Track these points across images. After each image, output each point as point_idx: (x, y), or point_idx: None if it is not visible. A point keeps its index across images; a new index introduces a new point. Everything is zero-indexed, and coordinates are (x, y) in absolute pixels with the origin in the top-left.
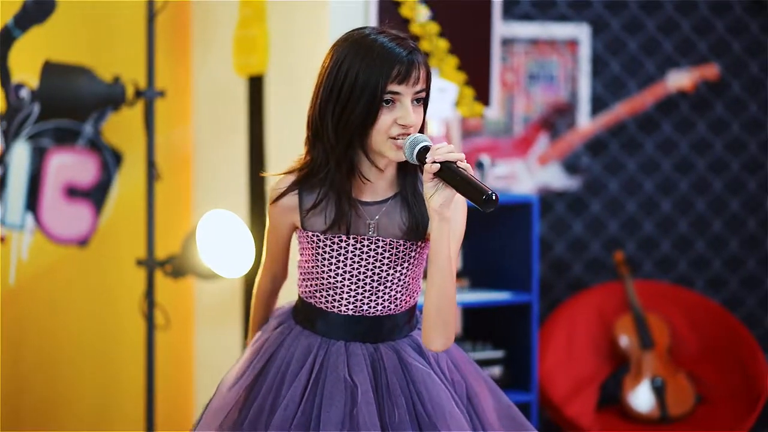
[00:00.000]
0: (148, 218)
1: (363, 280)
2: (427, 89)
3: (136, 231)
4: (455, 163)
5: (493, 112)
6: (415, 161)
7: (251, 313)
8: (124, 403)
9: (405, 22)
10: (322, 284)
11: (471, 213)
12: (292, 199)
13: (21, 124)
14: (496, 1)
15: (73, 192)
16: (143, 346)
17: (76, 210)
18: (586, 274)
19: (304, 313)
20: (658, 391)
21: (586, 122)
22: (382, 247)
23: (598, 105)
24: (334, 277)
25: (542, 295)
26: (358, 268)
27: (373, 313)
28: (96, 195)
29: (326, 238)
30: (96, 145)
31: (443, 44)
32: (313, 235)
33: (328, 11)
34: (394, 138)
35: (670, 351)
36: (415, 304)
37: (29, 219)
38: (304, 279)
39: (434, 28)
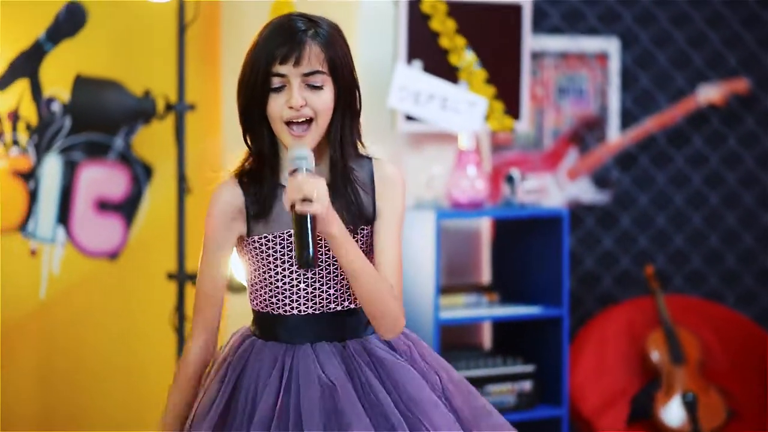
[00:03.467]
0: (178, 231)
1: (318, 273)
2: (334, 71)
3: (167, 244)
4: (306, 201)
5: (523, 125)
6: None
7: (169, 392)
8: (153, 417)
9: (434, 36)
10: (278, 287)
11: (500, 226)
12: (237, 200)
13: (52, 137)
14: (526, 14)
15: (104, 205)
16: (174, 360)
17: (106, 223)
18: (617, 288)
19: (263, 325)
20: (690, 406)
21: (615, 136)
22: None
23: (627, 119)
24: (289, 276)
25: (572, 309)
26: None
27: (334, 308)
28: (127, 208)
29: (275, 238)
30: (127, 159)
31: (472, 58)
32: (260, 239)
33: (355, 24)
34: (288, 124)
35: (700, 366)
36: None
37: (60, 232)
38: (255, 290)
39: (463, 41)
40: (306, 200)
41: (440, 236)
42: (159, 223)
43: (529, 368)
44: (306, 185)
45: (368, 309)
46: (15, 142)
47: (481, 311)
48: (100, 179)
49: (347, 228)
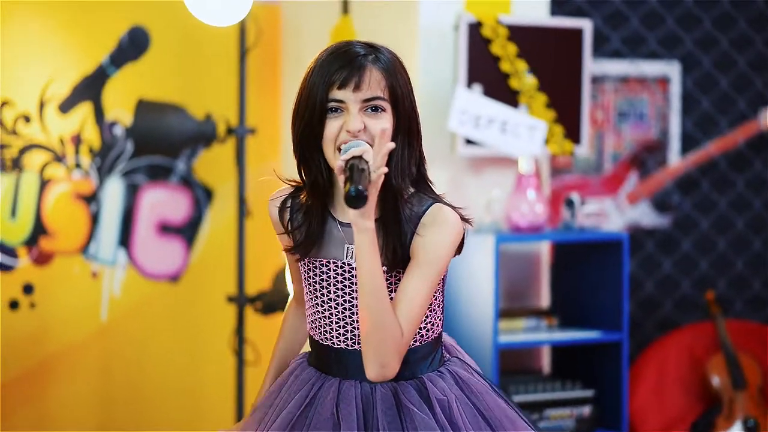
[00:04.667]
0: (238, 254)
1: (350, 309)
2: (394, 99)
3: (227, 267)
4: (357, 158)
5: (583, 149)
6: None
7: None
8: None
9: (495, 59)
10: (315, 314)
11: (559, 250)
12: (276, 215)
13: (115, 160)
14: (587, 38)
15: (165, 228)
16: (233, 383)
17: (167, 246)
18: (677, 312)
19: (310, 349)
20: (751, 431)
21: (676, 160)
22: None
23: (688, 143)
24: (321, 305)
25: (632, 334)
26: (343, 296)
27: None
28: (187, 231)
29: (309, 262)
30: (188, 182)
31: (533, 81)
32: (300, 260)
33: (416, 48)
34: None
35: (761, 391)
36: (430, 343)
37: (122, 255)
38: (306, 311)
39: (523, 65)
40: (363, 160)
41: (499, 260)
42: (219, 246)
43: (588, 393)
44: (367, 149)
45: (363, 341)
46: (78, 166)
47: (541, 335)
48: (162, 202)
49: (385, 268)
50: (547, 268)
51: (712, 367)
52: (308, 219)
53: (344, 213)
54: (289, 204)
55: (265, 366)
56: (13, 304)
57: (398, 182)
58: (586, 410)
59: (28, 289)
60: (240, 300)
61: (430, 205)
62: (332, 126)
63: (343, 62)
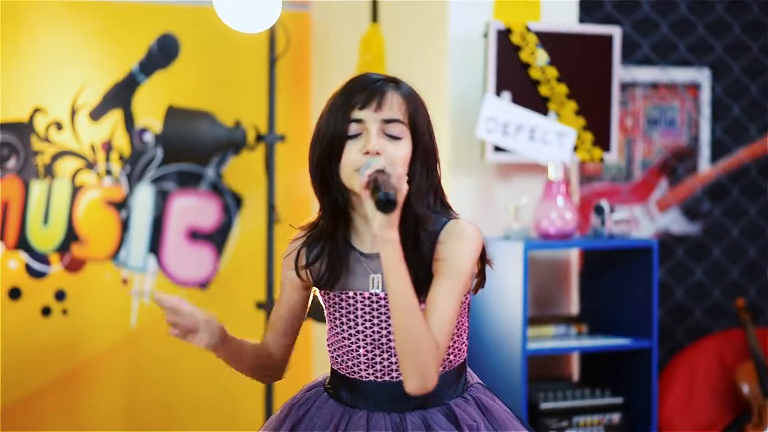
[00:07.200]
0: (267, 261)
1: (379, 340)
2: (414, 125)
3: (256, 274)
4: (380, 172)
5: (613, 156)
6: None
7: None
8: None
9: (524, 67)
10: (341, 348)
11: (589, 257)
12: (294, 252)
13: (145, 167)
14: (616, 45)
15: (194, 235)
16: (262, 389)
17: (197, 253)
18: (707, 320)
19: (333, 381)
20: None
21: (706, 167)
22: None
23: (718, 149)
24: (348, 338)
25: (662, 341)
26: (371, 327)
27: (397, 378)
28: (217, 238)
29: (335, 295)
30: (217, 189)
31: (562, 89)
32: (324, 294)
33: (445, 56)
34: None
35: None
36: (456, 369)
37: (152, 261)
38: (329, 345)
39: (553, 72)
40: (387, 173)
41: (528, 267)
42: (248, 252)
43: (617, 400)
44: (388, 165)
45: (400, 356)
46: (108, 172)
47: (570, 342)
48: (191, 209)
49: None
50: (576, 275)
51: (742, 375)
52: (328, 248)
53: (365, 243)
54: (305, 249)
55: (293, 374)
56: (46, 311)
57: (419, 209)
58: (616, 417)
59: (60, 295)
60: (269, 306)
61: (446, 222)
62: (351, 150)
63: (364, 86)
